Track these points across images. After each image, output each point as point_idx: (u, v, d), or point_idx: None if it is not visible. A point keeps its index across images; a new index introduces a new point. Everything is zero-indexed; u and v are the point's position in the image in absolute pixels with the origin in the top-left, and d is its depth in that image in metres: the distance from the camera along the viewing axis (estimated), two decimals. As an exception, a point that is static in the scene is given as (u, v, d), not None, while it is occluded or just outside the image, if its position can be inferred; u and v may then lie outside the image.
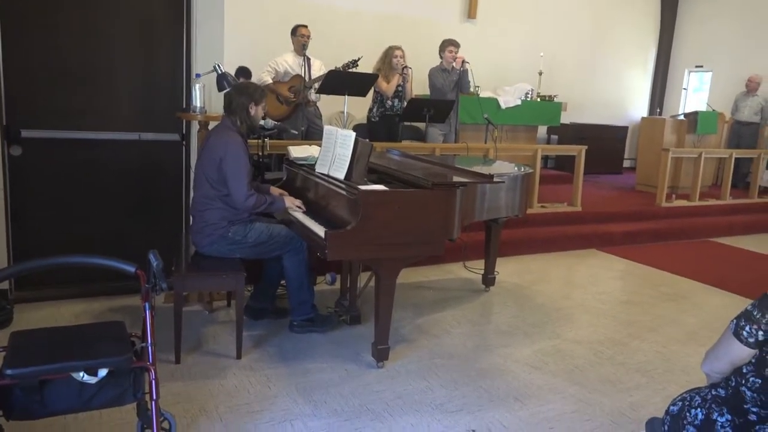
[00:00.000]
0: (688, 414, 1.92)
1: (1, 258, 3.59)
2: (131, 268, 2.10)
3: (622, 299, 4.65)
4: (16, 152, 3.67)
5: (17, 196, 3.71)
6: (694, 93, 10.92)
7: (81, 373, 1.98)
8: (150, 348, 2.15)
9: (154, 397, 2.14)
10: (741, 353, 1.80)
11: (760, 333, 1.75)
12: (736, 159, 7.87)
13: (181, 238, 3.76)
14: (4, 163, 3.62)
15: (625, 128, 10.21)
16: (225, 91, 3.64)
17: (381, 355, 3.21)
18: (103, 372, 2.02)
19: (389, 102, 5.91)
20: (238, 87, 3.47)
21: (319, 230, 3.03)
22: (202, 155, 3.36)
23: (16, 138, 3.64)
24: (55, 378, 1.97)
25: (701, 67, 10.71)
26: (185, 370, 3.07)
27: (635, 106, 11.07)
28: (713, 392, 1.91)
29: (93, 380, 2.01)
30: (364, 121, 7.04)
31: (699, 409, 1.90)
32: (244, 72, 5.10)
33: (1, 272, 2.05)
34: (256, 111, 3.36)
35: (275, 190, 3.64)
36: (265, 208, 3.34)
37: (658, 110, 10.83)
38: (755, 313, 1.77)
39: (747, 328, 1.77)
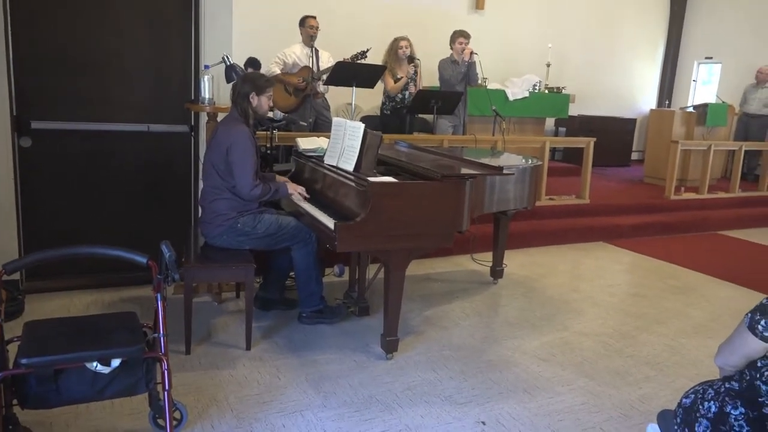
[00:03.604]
0: (701, 407, 1.92)
1: (13, 249, 3.61)
2: (143, 259, 2.11)
3: (630, 292, 4.64)
4: (26, 143, 3.68)
5: (27, 188, 3.73)
6: (704, 85, 10.84)
7: (94, 363, 2.00)
8: (162, 338, 2.17)
9: (167, 387, 2.16)
10: (755, 347, 1.79)
11: (775, 326, 1.74)
12: (745, 151, 7.82)
13: (190, 229, 3.77)
14: (15, 155, 3.63)
15: (633, 120, 10.15)
16: (233, 82, 3.65)
17: (390, 346, 3.22)
18: (116, 362, 2.03)
19: (399, 95, 5.89)
20: (243, 77, 3.47)
21: (329, 222, 3.03)
22: (211, 145, 3.37)
23: (26, 129, 3.66)
24: (69, 367, 1.98)
25: (711, 58, 10.63)
26: (195, 360, 3.09)
27: (644, 98, 11.01)
28: (727, 385, 1.91)
29: (106, 370, 2.03)
30: (372, 113, 7.03)
31: (712, 402, 1.90)
32: (253, 63, 5.08)
33: (13, 263, 2.05)
34: (259, 101, 3.34)
35: (280, 178, 3.65)
36: (271, 197, 3.35)
37: (667, 102, 10.76)
38: (770, 307, 1.76)
39: (762, 322, 1.76)
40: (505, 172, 3.61)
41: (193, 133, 4.08)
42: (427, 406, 2.78)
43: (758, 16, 9.73)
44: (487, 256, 4.73)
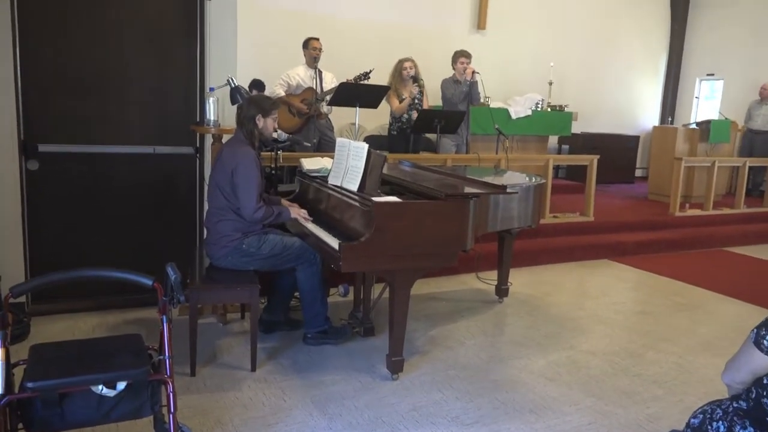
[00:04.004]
0: (709, 427, 1.90)
1: (19, 272, 3.63)
2: (149, 281, 2.11)
3: (636, 309, 4.62)
4: (33, 167, 3.72)
5: (34, 210, 3.75)
6: (706, 101, 10.86)
7: (100, 386, 1.99)
8: (168, 361, 2.16)
9: (172, 410, 2.15)
10: (762, 363, 1.78)
11: (781, 343, 1.73)
12: (749, 167, 7.81)
13: (195, 250, 3.78)
14: (22, 178, 3.67)
15: (636, 137, 10.17)
16: (238, 104, 3.68)
17: (395, 366, 3.20)
18: (121, 385, 2.03)
19: (405, 116, 5.93)
20: (249, 99, 3.52)
21: (333, 242, 3.04)
22: (216, 167, 3.39)
23: (33, 152, 3.70)
24: (74, 391, 1.98)
25: (712, 75, 10.67)
26: (200, 382, 3.08)
27: (646, 115, 11.04)
28: (735, 404, 1.89)
29: (111, 393, 2.02)
30: (375, 133, 7.07)
31: (721, 422, 1.88)
32: (257, 85, 5.14)
33: (20, 286, 2.06)
34: (265, 123, 3.37)
35: (285, 202, 3.66)
36: (273, 220, 3.36)
37: (670, 119, 10.78)
38: (776, 323, 1.75)
39: (768, 338, 1.75)
40: (508, 190, 3.62)
41: (198, 155, 4.12)
42: (433, 428, 2.76)
43: (759, 33, 9.78)
44: (492, 275, 4.72)
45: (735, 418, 1.86)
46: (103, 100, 3.84)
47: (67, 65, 3.72)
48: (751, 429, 1.81)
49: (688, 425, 2.00)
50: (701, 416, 1.96)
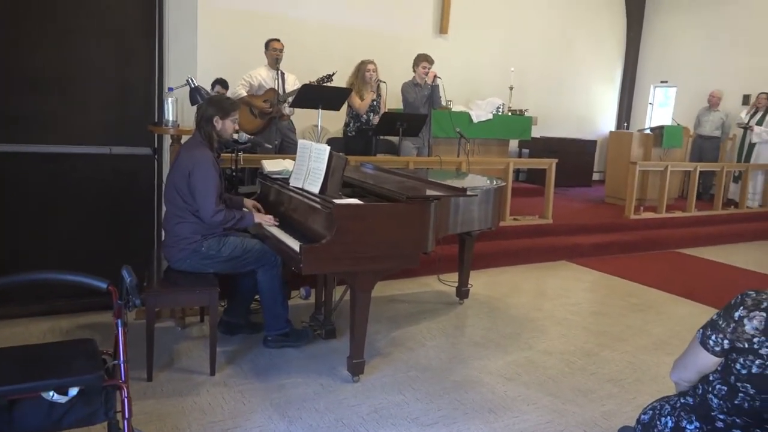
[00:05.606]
0: (658, 422, 1.97)
1: (-34, 275, 3.50)
2: (103, 284, 2.06)
3: (592, 310, 4.73)
4: (-19, 166, 3.59)
5: (-17, 212, 3.63)
6: (660, 107, 11.21)
7: (51, 393, 1.94)
8: (122, 366, 2.12)
9: (127, 415, 2.10)
10: (707, 362, 1.85)
11: (726, 342, 1.80)
12: (700, 172, 8.09)
13: (153, 253, 3.71)
14: (-30, 178, 3.54)
15: (593, 142, 10.42)
16: (198, 105, 3.63)
17: (356, 369, 3.21)
18: (73, 391, 1.97)
19: (364, 117, 5.94)
20: (208, 99, 3.47)
21: (294, 244, 3.03)
22: (173, 168, 3.34)
23: (-18, 152, 3.57)
24: (24, 398, 1.92)
25: (666, 82, 11.02)
26: (158, 387, 3.02)
27: (603, 120, 11.33)
28: (682, 400, 1.96)
29: (63, 399, 1.96)
30: (338, 135, 7.07)
31: (669, 417, 1.95)
32: (221, 82, 5.08)
33: (-33, 290, 1.99)
34: (224, 125, 3.33)
35: (248, 203, 3.63)
36: (233, 224, 3.31)
37: (626, 124, 11.09)
38: (720, 323, 1.83)
39: (713, 337, 1.82)
40: (469, 193, 3.66)
41: (156, 156, 4.04)
42: (393, 429, 2.77)
43: (711, 42, 10.15)
44: (453, 277, 4.77)
45: (682, 414, 1.93)
46: (58, 99, 3.74)
47: (20, 62, 3.60)
48: (697, 424, 1.88)
49: (638, 421, 2.06)
50: (651, 412, 2.03)
